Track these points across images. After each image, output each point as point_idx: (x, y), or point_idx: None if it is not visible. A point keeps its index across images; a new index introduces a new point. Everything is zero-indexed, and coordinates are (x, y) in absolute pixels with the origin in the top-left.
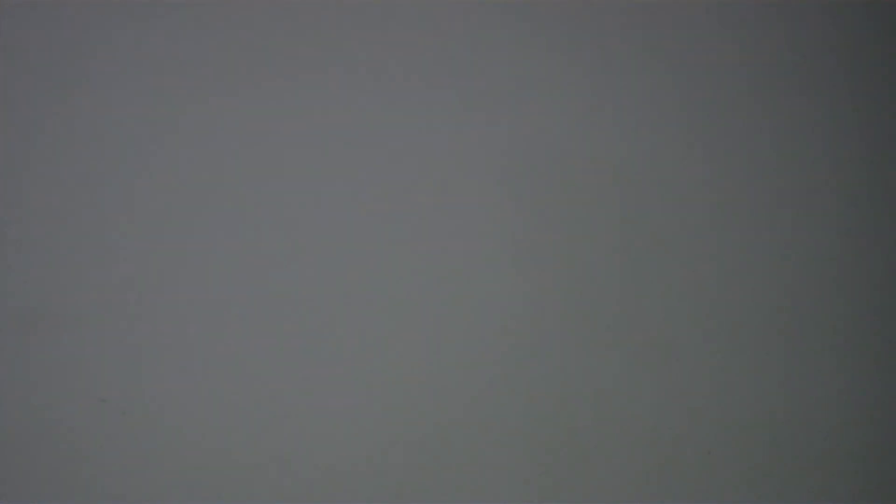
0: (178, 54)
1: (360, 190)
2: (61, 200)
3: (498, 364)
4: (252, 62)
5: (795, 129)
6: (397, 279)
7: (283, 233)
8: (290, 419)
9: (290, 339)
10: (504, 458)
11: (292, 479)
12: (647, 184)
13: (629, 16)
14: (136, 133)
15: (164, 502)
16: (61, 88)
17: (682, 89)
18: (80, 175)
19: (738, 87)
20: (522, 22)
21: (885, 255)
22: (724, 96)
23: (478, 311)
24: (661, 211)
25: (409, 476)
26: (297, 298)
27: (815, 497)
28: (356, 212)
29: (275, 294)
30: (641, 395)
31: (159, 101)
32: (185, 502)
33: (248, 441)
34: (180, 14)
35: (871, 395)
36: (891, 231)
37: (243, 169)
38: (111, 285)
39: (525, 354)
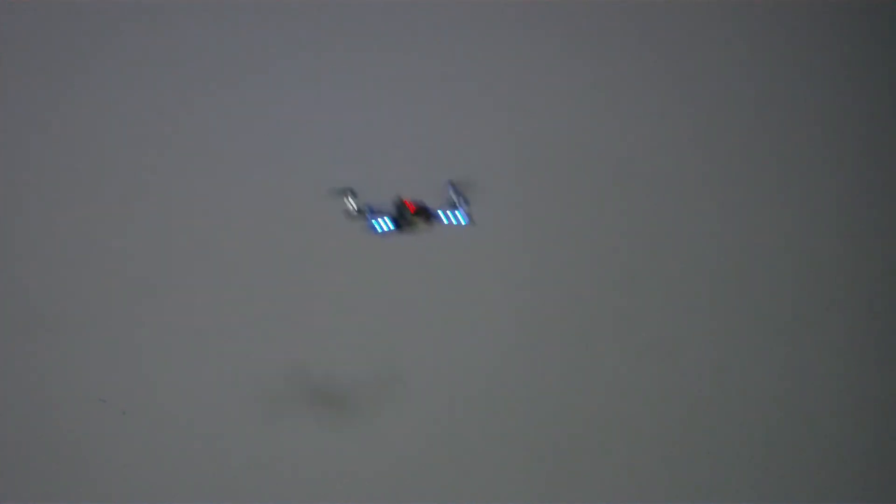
0: (178, 54)
1: (364, 189)
2: (62, 202)
3: (498, 363)
4: (255, 62)
5: (796, 129)
6: (399, 278)
7: (285, 233)
8: (290, 419)
9: (290, 339)
10: (504, 457)
11: (292, 479)
12: (649, 184)
13: (633, 17)
14: (136, 135)
15: (164, 502)
16: (61, 89)
17: (685, 91)
18: (81, 177)
19: (740, 88)
20: (527, 23)
21: (886, 255)
22: (726, 97)
23: (480, 310)
24: (663, 211)
25: (409, 476)
26: (298, 298)
27: (815, 497)
28: (360, 213)
29: (276, 294)
30: (642, 395)
31: (159, 101)
32: (185, 502)
33: (247, 441)
34: (180, 14)
35: (871, 395)
36: (891, 231)
37: (245, 170)
38: (111, 286)
39: (526, 354)
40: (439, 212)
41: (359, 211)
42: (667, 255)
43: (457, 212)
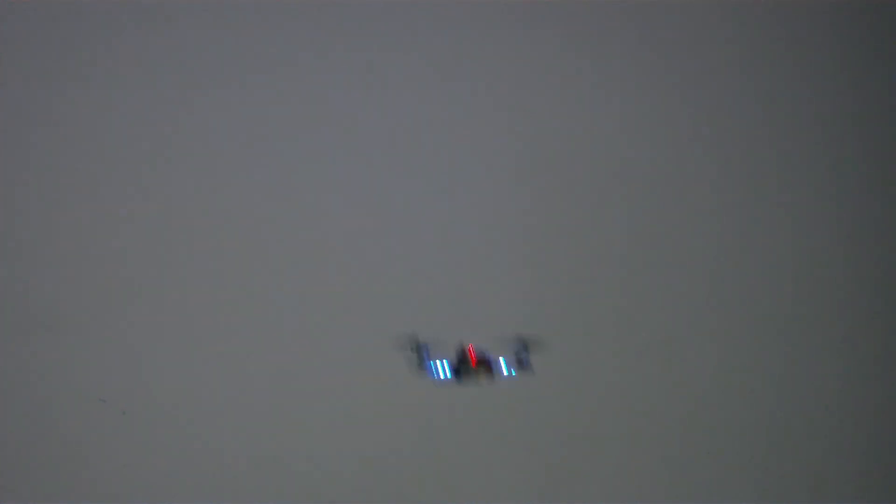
0: (179, 54)
1: (365, 189)
2: (62, 201)
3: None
4: (257, 62)
5: (797, 129)
6: (400, 278)
7: (285, 233)
8: (290, 419)
9: (290, 338)
10: (504, 458)
11: (292, 479)
12: (650, 184)
13: (634, 17)
14: (135, 134)
15: (164, 502)
16: (61, 89)
17: (686, 91)
18: (81, 176)
19: (741, 88)
20: (529, 22)
21: (886, 255)
22: (727, 97)
23: (479, 310)
24: (664, 211)
25: (409, 476)
26: (298, 297)
27: (816, 497)
28: (360, 211)
29: (275, 293)
30: (641, 395)
31: (159, 101)
32: (185, 502)
33: (247, 441)
34: (180, 14)
35: (872, 395)
36: (891, 231)
37: (244, 169)
38: (110, 286)
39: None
40: (502, 362)
41: (422, 362)
42: (668, 257)
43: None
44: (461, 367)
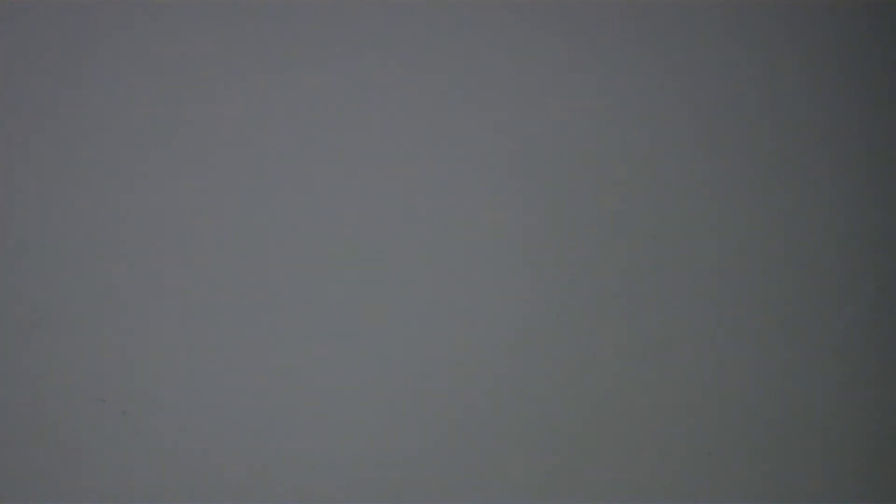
0: (179, 54)
1: (363, 189)
2: (61, 200)
3: (498, 363)
4: (256, 61)
5: (796, 128)
6: (399, 278)
7: (285, 233)
8: (291, 419)
9: (291, 338)
10: (504, 457)
11: (292, 479)
12: (649, 184)
13: (632, 16)
14: (135, 133)
15: (164, 502)
16: (61, 89)
17: (685, 89)
18: (80, 175)
19: (740, 88)
20: (526, 21)
21: (886, 255)
22: (726, 96)
23: (479, 310)
24: (663, 211)
25: (409, 476)
26: (298, 298)
27: (816, 497)
28: (359, 211)
29: (276, 293)
30: (641, 395)
31: (159, 100)
32: (185, 502)
33: (247, 441)
34: (180, 14)
35: (871, 395)
36: (891, 231)
37: (244, 169)
38: (111, 285)
39: (526, 353)
40: None
41: None
42: (667, 256)
43: None
44: None
